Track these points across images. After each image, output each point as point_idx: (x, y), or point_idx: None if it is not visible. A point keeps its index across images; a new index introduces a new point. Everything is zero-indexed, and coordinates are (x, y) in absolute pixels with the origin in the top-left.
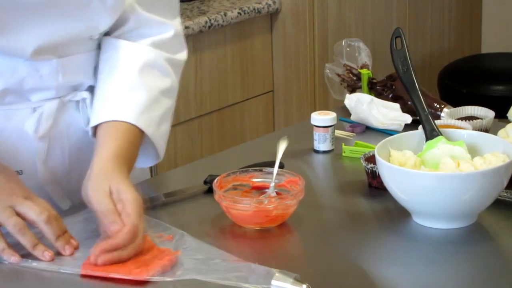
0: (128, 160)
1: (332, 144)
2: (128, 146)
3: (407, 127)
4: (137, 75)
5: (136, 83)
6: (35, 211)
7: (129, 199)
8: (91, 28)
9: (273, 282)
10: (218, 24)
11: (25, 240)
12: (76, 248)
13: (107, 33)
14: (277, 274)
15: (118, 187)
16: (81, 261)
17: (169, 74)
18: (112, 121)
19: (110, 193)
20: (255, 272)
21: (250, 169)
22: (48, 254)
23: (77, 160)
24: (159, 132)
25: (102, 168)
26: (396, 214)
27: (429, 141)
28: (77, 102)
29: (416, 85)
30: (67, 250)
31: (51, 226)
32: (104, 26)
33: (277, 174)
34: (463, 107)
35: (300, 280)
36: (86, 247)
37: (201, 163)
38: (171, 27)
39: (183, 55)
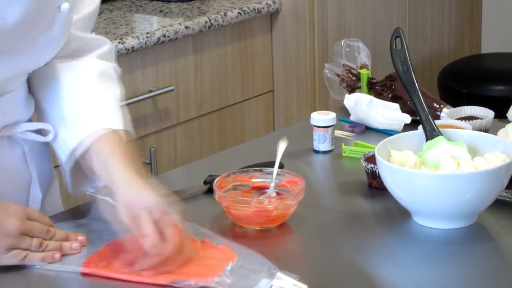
0: (134, 161)
1: (331, 144)
2: (126, 148)
3: (407, 127)
4: (96, 84)
5: (102, 93)
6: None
7: (166, 215)
8: (35, 62)
9: (274, 282)
10: (218, 24)
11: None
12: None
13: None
14: (278, 274)
15: (147, 205)
16: (82, 260)
17: (119, 83)
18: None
19: (144, 213)
20: (258, 264)
21: (250, 169)
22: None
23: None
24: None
25: (122, 186)
26: (396, 214)
27: (429, 141)
28: (9, 136)
29: (416, 85)
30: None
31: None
32: (47, 58)
33: (277, 174)
34: (462, 107)
35: (300, 281)
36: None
37: (201, 163)
38: (107, 41)
39: (117, 66)
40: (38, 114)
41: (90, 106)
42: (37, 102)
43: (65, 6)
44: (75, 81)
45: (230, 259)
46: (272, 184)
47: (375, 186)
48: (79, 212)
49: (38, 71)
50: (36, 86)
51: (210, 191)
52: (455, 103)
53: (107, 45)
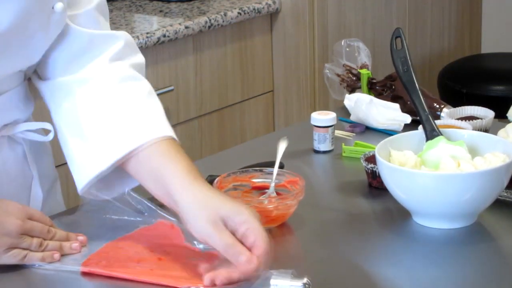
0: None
1: (332, 144)
2: (187, 158)
3: (407, 127)
4: (117, 93)
5: (122, 101)
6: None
7: (246, 219)
8: (29, 60)
9: (272, 281)
10: (218, 24)
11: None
12: (83, 243)
13: (49, 72)
14: (275, 273)
15: (226, 213)
16: (82, 259)
17: (141, 77)
18: (144, 146)
19: (224, 223)
20: (251, 277)
21: (250, 169)
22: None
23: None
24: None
25: (195, 198)
26: (396, 214)
27: (430, 141)
28: (9, 136)
29: (416, 85)
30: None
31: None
32: (40, 55)
33: (277, 174)
34: (462, 107)
35: (298, 275)
36: (88, 246)
37: (201, 163)
38: (119, 37)
39: (140, 57)
40: (58, 136)
41: (129, 120)
42: (55, 123)
43: (59, 6)
44: (91, 96)
45: None
46: (272, 184)
47: (375, 186)
48: (80, 212)
49: (51, 90)
50: (52, 108)
51: None
52: (455, 103)
53: (120, 41)
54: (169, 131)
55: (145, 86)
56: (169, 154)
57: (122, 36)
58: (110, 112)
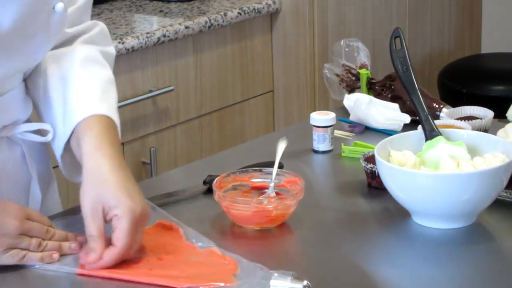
0: (114, 145)
1: (331, 144)
2: (104, 133)
3: (406, 127)
4: (79, 70)
5: (82, 77)
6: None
7: (120, 214)
8: (30, 60)
9: (272, 282)
10: (218, 24)
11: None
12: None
13: None
14: (275, 274)
15: (107, 202)
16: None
17: (106, 65)
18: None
19: (103, 209)
20: (251, 275)
21: (249, 169)
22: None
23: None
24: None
25: (92, 172)
26: (396, 214)
27: (429, 141)
28: (8, 137)
29: (416, 85)
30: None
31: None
32: (42, 56)
33: (277, 174)
34: (462, 107)
35: (298, 277)
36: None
37: (201, 163)
38: (97, 23)
39: (111, 49)
40: (36, 111)
41: (73, 95)
42: (32, 99)
43: (59, 6)
44: (59, 71)
45: (234, 270)
46: (272, 184)
47: (374, 186)
48: (78, 212)
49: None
50: (28, 86)
51: (209, 191)
52: (455, 103)
53: (96, 28)
54: (105, 111)
55: (104, 72)
56: (90, 128)
57: (99, 25)
58: (70, 87)
